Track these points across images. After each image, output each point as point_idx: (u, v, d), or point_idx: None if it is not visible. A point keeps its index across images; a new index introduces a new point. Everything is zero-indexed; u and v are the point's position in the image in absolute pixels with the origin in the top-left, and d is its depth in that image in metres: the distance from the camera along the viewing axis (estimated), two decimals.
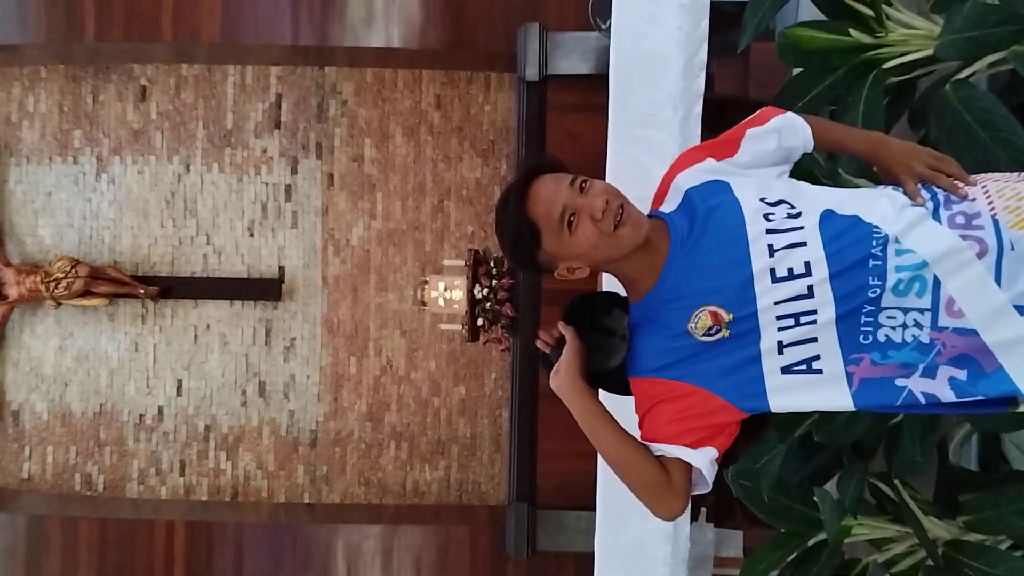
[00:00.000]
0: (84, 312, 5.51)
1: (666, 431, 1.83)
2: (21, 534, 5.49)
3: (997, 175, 1.92)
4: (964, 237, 1.73)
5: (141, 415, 5.55)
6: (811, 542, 2.81)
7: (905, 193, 1.85)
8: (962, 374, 1.77)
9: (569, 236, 1.75)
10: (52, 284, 5.32)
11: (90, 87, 5.51)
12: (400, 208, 5.51)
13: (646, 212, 1.90)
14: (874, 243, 1.73)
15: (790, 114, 1.98)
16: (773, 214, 1.79)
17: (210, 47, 5.47)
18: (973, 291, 1.71)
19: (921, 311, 1.73)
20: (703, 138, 3.25)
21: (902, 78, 2.75)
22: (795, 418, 2.83)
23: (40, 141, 5.52)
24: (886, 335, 1.75)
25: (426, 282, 5.29)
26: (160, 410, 5.55)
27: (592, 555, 3.56)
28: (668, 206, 1.89)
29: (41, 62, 5.48)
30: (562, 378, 1.87)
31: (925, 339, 1.74)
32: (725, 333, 1.78)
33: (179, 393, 5.55)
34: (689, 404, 1.81)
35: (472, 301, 5.18)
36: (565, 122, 5.23)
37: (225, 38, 5.48)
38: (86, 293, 5.38)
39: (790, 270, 1.75)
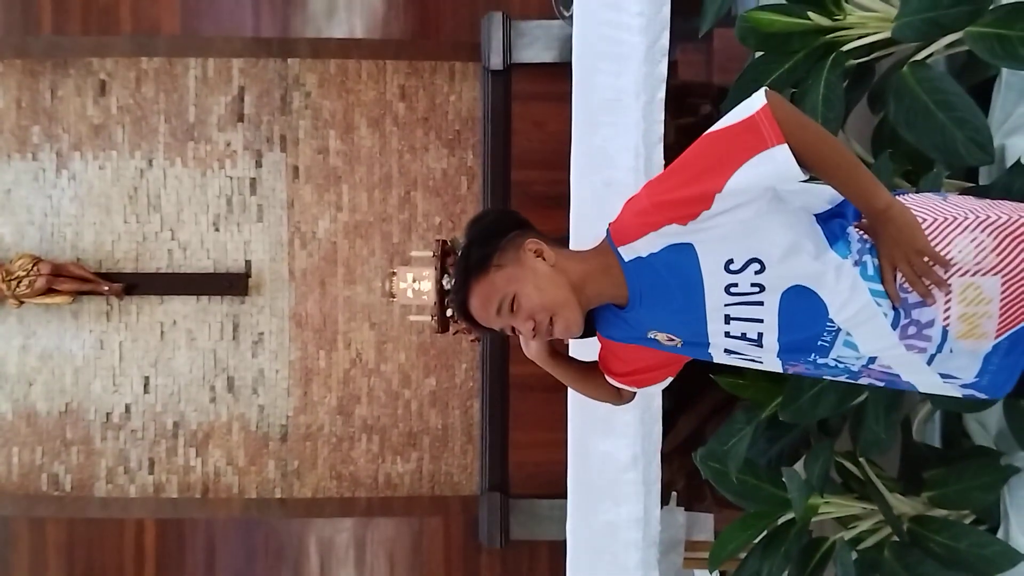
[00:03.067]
0: (47, 310, 5.43)
1: (616, 371, 2.12)
2: None
3: (972, 251, 1.75)
4: (909, 347, 1.81)
5: (108, 413, 5.49)
6: (779, 521, 2.84)
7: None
8: (880, 383, 1.96)
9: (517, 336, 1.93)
10: (13, 283, 5.24)
11: (48, 82, 5.43)
12: (366, 200, 5.49)
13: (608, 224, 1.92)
14: (825, 333, 1.81)
15: (785, 157, 1.63)
16: (736, 285, 1.76)
17: (170, 40, 5.40)
18: (904, 367, 1.85)
19: (855, 360, 1.87)
20: (666, 123, 3.26)
21: (861, 60, 2.77)
22: (762, 400, 2.86)
23: None
24: (822, 365, 1.91)
25: (394, 274, 5.26)
26: (127, 408, 5.49)
27: (565, 543, 3.58)
28: (627, 253, 1.81)
29: None
30: (534, 351, 2.04)
31: (855, 369, 1.89)
32: (679, 343, 1.94)
33: (146, 390, 5.49)
34: (640, 357, 2.06)
35: (441, 292, 5.16)
36: (530, 111, 5.22)
37: (185, 30, 5.41)
38: (49, 291, 5.31)
39: (743, 334, 1.84)
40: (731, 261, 1.73)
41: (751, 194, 1.68)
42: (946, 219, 1.76)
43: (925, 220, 1.76)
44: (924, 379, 1.86)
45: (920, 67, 2.56)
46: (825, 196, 1.86)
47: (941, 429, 2.98)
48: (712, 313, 1.80)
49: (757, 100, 1.68)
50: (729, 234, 1.71)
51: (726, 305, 1.79)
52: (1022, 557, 2.48)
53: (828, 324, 1.78)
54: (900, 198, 1.83)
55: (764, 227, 1.72)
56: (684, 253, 1.74)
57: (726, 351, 1.90)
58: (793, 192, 1.79)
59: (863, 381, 1.94)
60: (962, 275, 1.74)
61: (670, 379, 2.14)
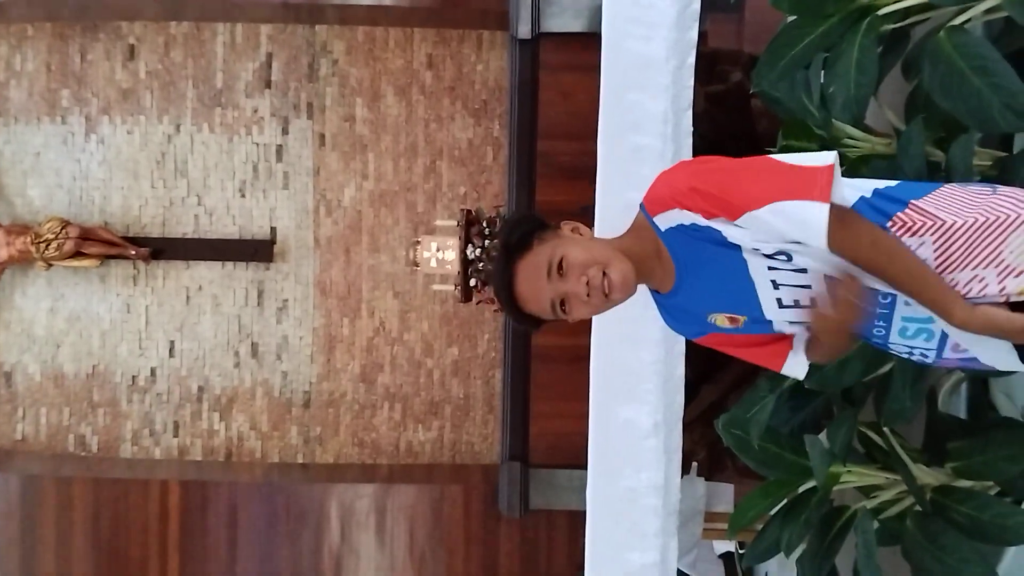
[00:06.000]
0: (75, 273, 5.49)
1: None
2: (16, 494, 5.51)
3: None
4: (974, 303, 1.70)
5: (134, 376, 5.55)
6: (800, 490, 2.83)
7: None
8: (958, 368, 1.90)
9: (567, 315, 1.81)
10: (42, 245, 5.30)
11: (78, 46, 5.45)
12: (392, 168, 5.49)
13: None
14: (881, 297, 1.75)
15: (819, 218, 1.60)
16: (773, 257, 1.75)
17: (199, 4, 5.41)
18: (977, 343, 1.75)
19: (926, 350, 1.79)
20: (695, 90, 3.24)
21: (897, 25, 2.73)
22: None
23: (28, 101, 5.47)
24: (894, 350, 1.85)
25: (418, 243, 5.26)
26: (153, 371, 5.55)
27: (584, 513, 3.59)
28: (662, 222, 1.80)
29: (28, 20, 5.42)
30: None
31: (929, 360, 1.83)
32: (741, 322, 1.88)
33: (172, 354, 5.54)
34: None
35: (465, 261, 5.16)
36: (558, 81, 5.20)
37: None
38: (77, 254, 5.35)
39: (796, 301, 1.78)
40: (757, 249, 1.73)
41: (772, 235, 1.68)
42: (998, 218, 1.69)
43: (977, 220, 1.69)
44: (1002, 357, 1.76)
45: (957, 32, 2.52)
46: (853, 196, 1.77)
47: (967, 400, 2.95)
48: (758, 279, 1.76)
49: (827, 156, 1.65)
50: (754, 236, 1.72)
51: (770, 269, 1.74)
52: None
53: (882, 295, 1.74)
54: (948, 188, 1.77)
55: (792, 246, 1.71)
56: (715, 233, 1.74)
57: (791, 326, 1.84)
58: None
59: (942, 363, 1.87)
60: (1017, 276, 1.69)
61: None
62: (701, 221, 1.71)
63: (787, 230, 1.65)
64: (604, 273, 1.75)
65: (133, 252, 5.36)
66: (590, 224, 3.57)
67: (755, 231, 1.68)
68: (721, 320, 1.88)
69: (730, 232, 1.71)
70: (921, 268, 1.68)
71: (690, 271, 1.81)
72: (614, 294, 1.77)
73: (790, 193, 1.62)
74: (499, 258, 1.82)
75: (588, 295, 1.75)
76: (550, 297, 1.77)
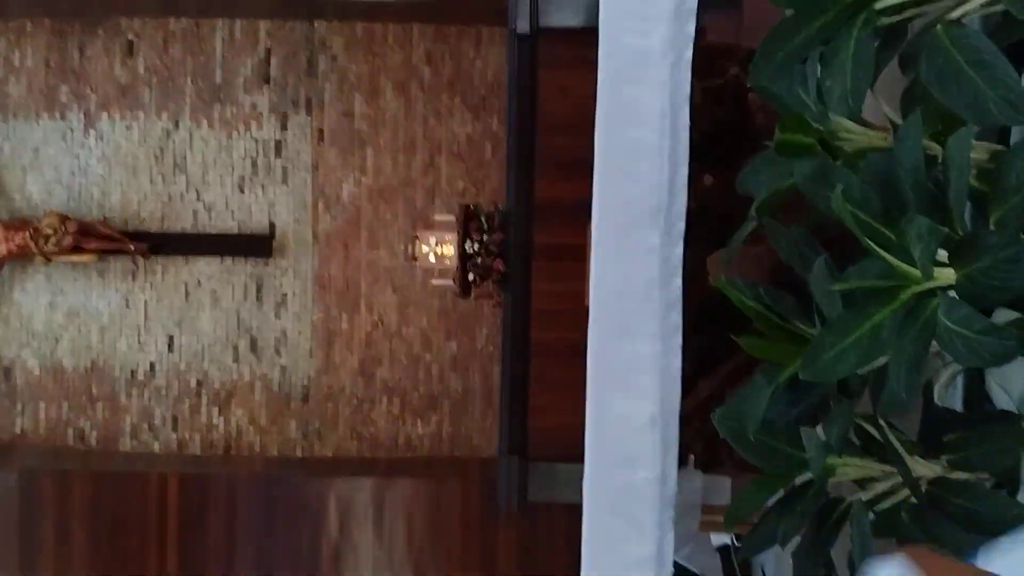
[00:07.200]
0: (74, 269, 5.50)
1: None
2: (14, 489, 5.51)
3: None
4: None
5: (133, 371, 5.56)
6: (796, 482, 2.84)
7: None
8: None
9: None
10: (41, 240, 5.31)
11: (77, 42, 5.46)
12: (391, 164, 5.50)
13: None
14: None
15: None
16: None
17: (198, 0, 5.41)
18: None
19: None
20: (692, 85, 3.24)
21: (894, 19, 2.74)
22: (783, 360, 2.85)
23: (27, 97, 5.48)
24: None
25: (417, 238, 5.28)
26: (152, 366, 5.56)
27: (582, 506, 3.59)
28: None
29: (26, 15, 5.42)
30: None
31: None
32: None
33: (171, 349, 5.56)
34: None
35: (463, 256, 5.17)
36: (557, 76, 5.18)
37: None
38: (76, 249, 5.37)
39: None
40: None
41: None
42: None
43: None
44: None
45: (954, 26, 2.53)
46: None
47: (963, 393, 2.97)
48: None
49: None
50: None
51: None
52: None
53: None
54: None
55: None
56: None
57: None
58: None
59: None
60: None
61: None
62: None
63: None
64: None
65: (132, 247, 5.37)
66: (587, 221, 3.56)
67: None
68: None
69: None
70: None
71: None
72: None
73: None
74: None
75: None
76: None
